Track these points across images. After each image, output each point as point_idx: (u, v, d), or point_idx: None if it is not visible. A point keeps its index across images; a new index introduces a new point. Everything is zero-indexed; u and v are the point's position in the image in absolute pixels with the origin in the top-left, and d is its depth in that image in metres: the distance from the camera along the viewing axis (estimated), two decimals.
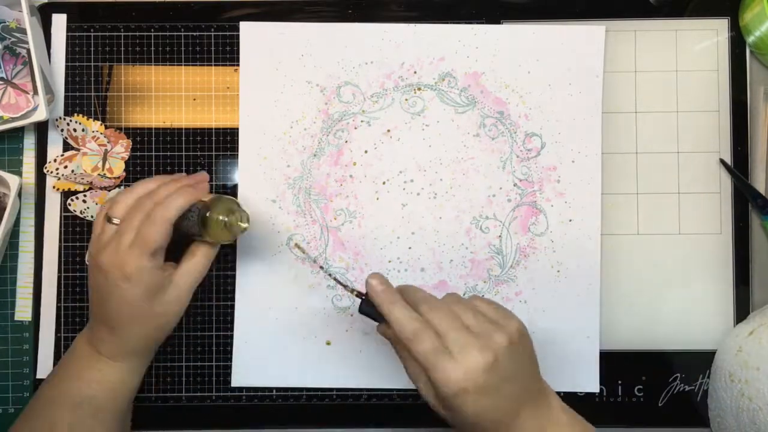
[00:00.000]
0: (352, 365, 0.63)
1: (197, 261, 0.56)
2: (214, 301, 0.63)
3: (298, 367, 0.63)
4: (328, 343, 0.63)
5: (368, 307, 0.52)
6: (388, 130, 0.63)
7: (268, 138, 0.63)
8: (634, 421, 0.63)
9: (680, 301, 0.63)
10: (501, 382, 0.47)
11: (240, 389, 0.63)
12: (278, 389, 0.63)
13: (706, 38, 0.64)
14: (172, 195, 0.53)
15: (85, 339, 0.56)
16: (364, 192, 0.63)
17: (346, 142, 0.63)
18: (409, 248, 0.63)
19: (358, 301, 0.53)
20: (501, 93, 0.63)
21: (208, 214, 0.54)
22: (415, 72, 0.63)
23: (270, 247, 0.63)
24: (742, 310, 0.63)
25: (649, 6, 0.64)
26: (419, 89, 0.63)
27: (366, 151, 0.63)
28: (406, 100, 0.63)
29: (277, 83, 0.63)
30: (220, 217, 0.55)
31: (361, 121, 0.63)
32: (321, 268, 0.61)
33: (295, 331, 0.63)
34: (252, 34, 0.63)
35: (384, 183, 0.63)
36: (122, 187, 0.63)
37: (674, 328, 0.63)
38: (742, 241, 0.63)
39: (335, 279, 0.56)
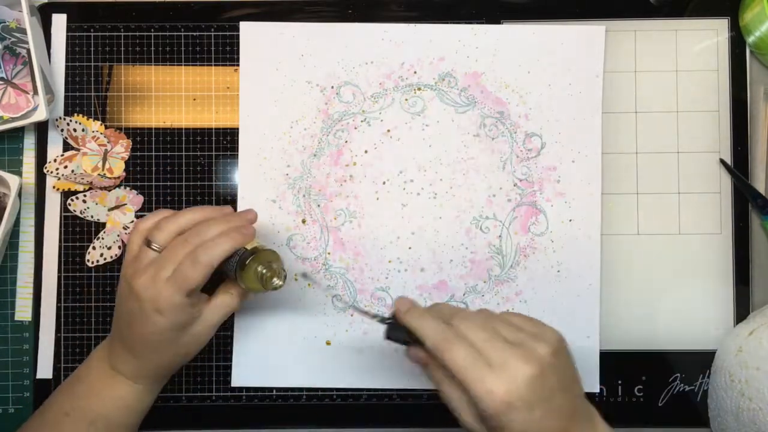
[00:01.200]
0: (352, 365, 0.63)
1: (229, 300, 0.55)
2: None
3: (298, 367, 0.63)
4: (328, 343, 0.63)
5: (395, 332, 0.49)
6: (388, 130, 0.63)
7: (268, 138, 0.63)
8: (634, 421, 0.63)
9: (680, 301, 0.63)
10: (549, 397, 0.44)
11: (240, 389, 0.63)
12: (278, 389, 0.63)
13: (706, 38, 0.64)
14: (220, 239, 0.51)
15: (104, 355, 0.55)
16: (364, 192, 0.63)
17: (346, 142, 0.63)
18: (409, 248, 0.63)
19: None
20: (501, 93, 0.63)
21: (248, 262, 0.53)
22: (415, 72, 0.63)
23: (270, 247, 0.63)
24: (742, 310, 0.63)
25: (649, 6, 0.64)
26: (419, 89, 0.63)
27: (366, 151, 0.63)
28: (406, 100, 0.63)
29: (277, 83, 0.63)
30: (259, 268, 0.53)
31: (361, 121, 0.63)
32: (334, 297, 0.58)
33: (295, 331, 0.63)
34: (252, 34, 0.63)
35: (384, 183, 0.63)
36: (123, 186, 0.63)
37: (674, 328, 0.63)
38: (742, 241, 0.63)
39: (356, 308, 0.55)
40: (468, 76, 0.63)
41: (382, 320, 0.51)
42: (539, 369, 0.44)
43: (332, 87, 0.63)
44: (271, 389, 0.63)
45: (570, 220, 0.63)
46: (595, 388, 0.62)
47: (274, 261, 0.54)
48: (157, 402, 0.61)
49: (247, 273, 0.53)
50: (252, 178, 0.63)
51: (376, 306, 0.63)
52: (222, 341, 0.63)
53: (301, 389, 0.63)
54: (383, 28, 0.63)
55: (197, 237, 0.51)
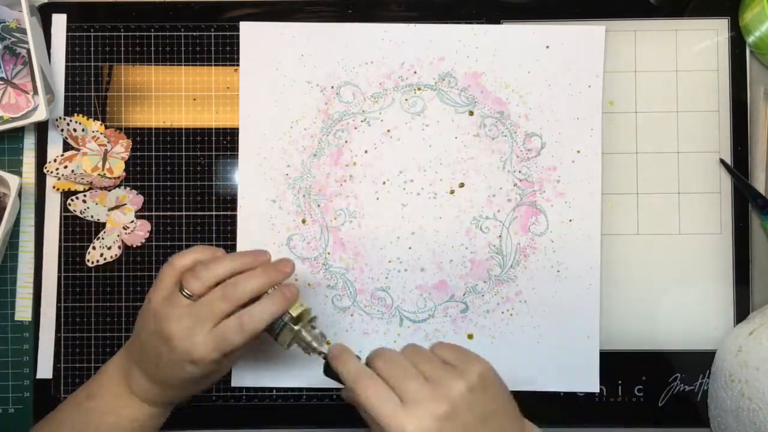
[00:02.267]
0: None
1: (254, 345, 0.55)
2: None
3: (298, 367, 0.63)
4: (328, 343, 0.63)
5: (332, 371, 0.50)
6: (388, 130, 0.63)
7: (268, 138, 0.63)
8: (634, 421, 0.63)
9: (680, 301, 0.63)
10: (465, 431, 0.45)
11: (240, 389, 0.63)
12: (278, 389, 0.63)
13: (706, 38, 0.64)
14: (265, 304, 0.50)
15: (119, 376, 0.54)
16: (364, 192, 0.63)
17: (346, 142, 0.63)
18: (409, 248, 0.63)
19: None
20: (501, 93, 0.63)
21: (295, 328, 0.52)
22: (415, 72, 0.63)
23: (270, 247, 0.63)
24: (742, 310, 0.63)
25: (649, 6, 0.64)
26: (419, 89, 0.63)
27: (366, 151, 0.63)
28: (406, 100, 0.63)
29: (277, 83, 0.63)
30: (304, 334, 0.52)
31: (361, 121, 0.63)
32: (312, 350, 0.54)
33: None
34: (252, 34, 0.63)
35: (384, 183, 0.63)
36: (123, 186, 0.63)
37: (674, 328, 0.63)
38: (742, 241, 0.63)
39: (301, 339, 0.53)
40: (468, 76, 0.63)
41: (325, 357, 0.52)
42: (450, 407, 0.44)
43: (332, 87, 0.63)
44: (271, 389, 0.63)
45: (570, 220, 0.63)
46: (595, 388, 0.62)
47: (315, 323, 0.53)
48: None
49: (288, 337, 0.52)
50: (252, 178, 0.63)
51: (375, 306, 0.63)
52: None
53: (301, 389, 0.63)
54: (383, 28, 0.63)
55: (236, 292, 0.50)
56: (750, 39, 0.63)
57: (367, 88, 0.63)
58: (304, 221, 0.63)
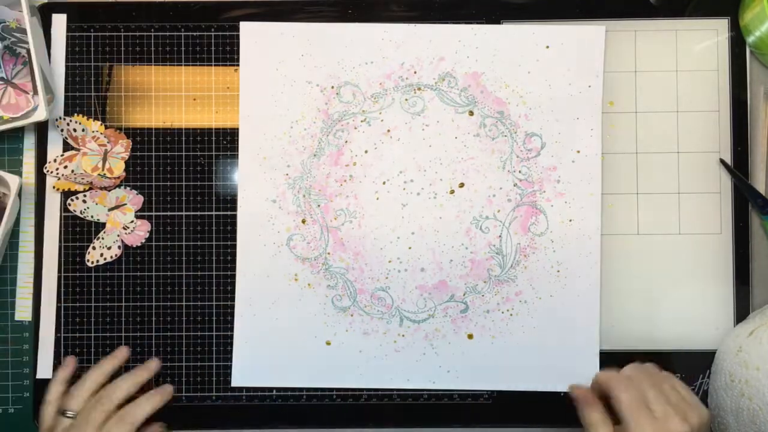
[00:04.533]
0: (351, 365, 0.63)
1: None
2: (215, 300, 0.63)
3: (298, 367, 0.63)
4: (328, 343, 0.63)
5: None
6: (388, 130, 0.63)
7: (268, 138, 0.63)
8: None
9: (680, 301, 0.63)
10: None
11: (240, 389, 0.63)
12: (278, 389, 0.63)
13: (706, 38, 0.64)
14: (142, 400, 0.58)
15: None
16: (364, 192, 0.63)
17: (346, 142, 0.63)
18: (409, 248, 0.63)
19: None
20: (501, 93, 0.63)
21: None
22: (415, 72, 0.63)
23: (270, 247, 0.63)
24: (742, 310, 0.63)
25: (649, 6, 0.64)
26: (419, 89, 0.63)
27: (366, 151, 0.63)
28: (406, 100, 0.63)
29: (277, 83, 0.63)
30: None
31: (361, 121, 0.63)
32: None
33: (294, 331, 0.63)
34: (252, 33, 0.63)
35: (384, 183, 0.63)
36: (123, 186, 0.63)
37: (674, 328, 0.63)
38: (742, 241, 0.63)
39: None
40: (468, 76, 0.63)
41: None
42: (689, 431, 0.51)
43: (332, 87, 0.63)
44: (271, 389, 0.63)
45: (570, 220, 0.63)
46: None
47: None
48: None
49: None
50: (252, 178, 0.63)
51: (375, 306, 0.63)
52: (222, 341, 0.63)
53: (301, 389, 0.63)
54: (383, 28, 0.63)
55: (109, 397, 0.57)
56: (750, 39, 0.63)
57: (367, 88, 0.63)
58: (304, 221, 0.63)
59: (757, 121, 0.64)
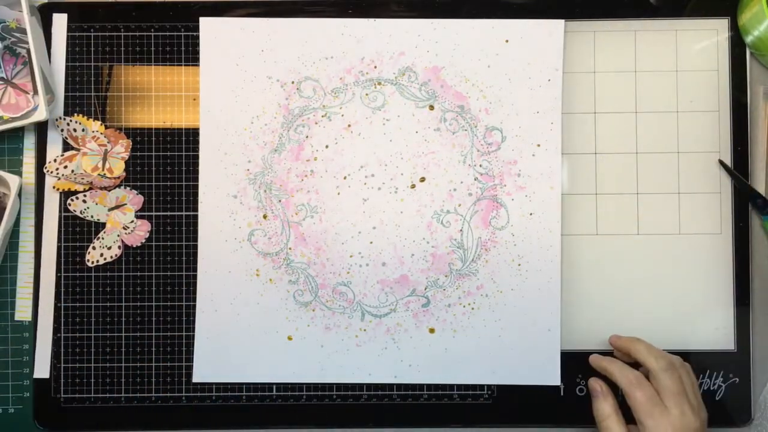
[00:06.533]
0: (312, 360, 0.63)
1: None
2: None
3: (259, 362, 0.63)
4: (290, 338, 0.63)
5: None
6: (349, 125, 0.63)
7: (229, 134, 0.63)
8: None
9: (680, 301, 0.63)
10: None
11: (240, 389, 0.63)
12: (278, 389, 0.63)
13: (706, 38, 0.64)
14: None
15: None
16: (325, 187, 0.63)
17: (307, 137, 0.63)
18: (371, 243, 0.63)
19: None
20: (461, 87, 0.63)
21: None
22: (375, 67, 0.63)
23: (231, 243, 0.63)
24: (742, 310, 0.63)
25: (649, 6, 0.64)
26: (379, 84, 0.63)
27: (327, 146, 0.63)
28: (367, 95, 0.63)
29: (237, 79, 0.63)
30: None
31: (322, 116, 0.63)
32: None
33: (256, 326, 0.63)
34: (212, 29, 0.63)
35: (345, 178, 0.63)
36: (123, 186, 0.63)
37: (674, 328, 0.63)
38: (742, 241, 0.63)
39: None
40: (428, 70, 0.63)
41: None
42: (701, 426, 0.55)
43: (292, 82, 0.63)
44: (271, 389, 0.63)
45: (530, 214, 0.63)
46: (556, 380, 0.62)
47: None
48: (150, 401, 0.60)
49: None
50: (213, 173, 0.63)
51: (337, 301, 0.63)
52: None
53: (301, 388, 0.63)
54: (343, 23, 0.63)
55: None
56: (748, 39, 0.63)
57: (328, 83, 0.63)
58: (265, 216, 0.63)
59: (757, 122, 0.64)
